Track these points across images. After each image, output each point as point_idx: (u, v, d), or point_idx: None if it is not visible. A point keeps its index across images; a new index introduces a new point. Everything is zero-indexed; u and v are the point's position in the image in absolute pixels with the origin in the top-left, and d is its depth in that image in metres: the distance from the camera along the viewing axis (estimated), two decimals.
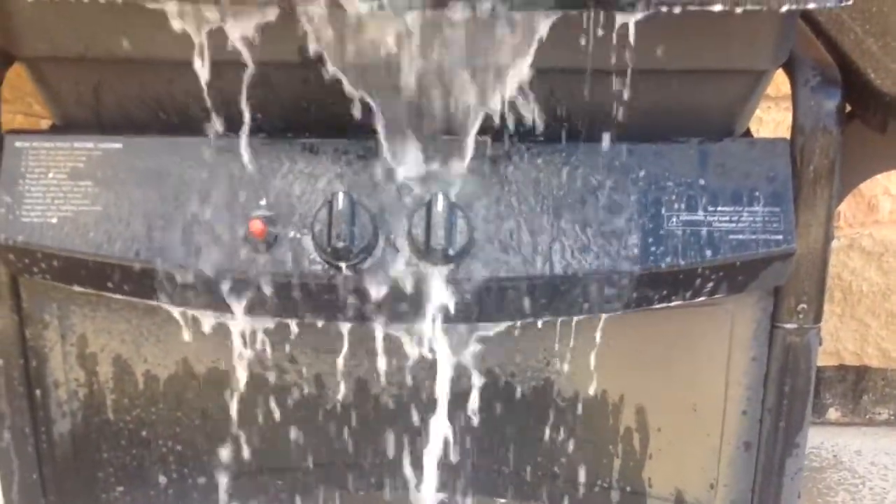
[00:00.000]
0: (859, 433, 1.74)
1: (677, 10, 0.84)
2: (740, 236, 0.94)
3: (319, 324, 0.97)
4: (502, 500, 1.12)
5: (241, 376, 1.02)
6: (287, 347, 1.01)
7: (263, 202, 0.92)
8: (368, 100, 0.89)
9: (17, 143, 0.94)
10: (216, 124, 0.92)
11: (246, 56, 0.87)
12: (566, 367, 1.05)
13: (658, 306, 0.96)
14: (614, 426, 1.08)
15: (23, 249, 0.93)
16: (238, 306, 0.93)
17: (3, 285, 0.98)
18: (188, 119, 0.93)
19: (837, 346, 1.68)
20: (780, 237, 0.94)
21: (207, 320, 0.97)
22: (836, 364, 1.71)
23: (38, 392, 1.03)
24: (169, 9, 0.83)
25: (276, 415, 1.05)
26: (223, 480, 1.08)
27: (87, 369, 1.04)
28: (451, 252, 0.90)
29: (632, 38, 0.86)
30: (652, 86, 0.92)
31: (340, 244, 0.89)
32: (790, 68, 0.96)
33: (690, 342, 1.05)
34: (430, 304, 0.92)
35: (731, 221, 0.94)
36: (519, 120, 0.93)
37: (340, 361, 1.01)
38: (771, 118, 1.49)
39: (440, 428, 1.02)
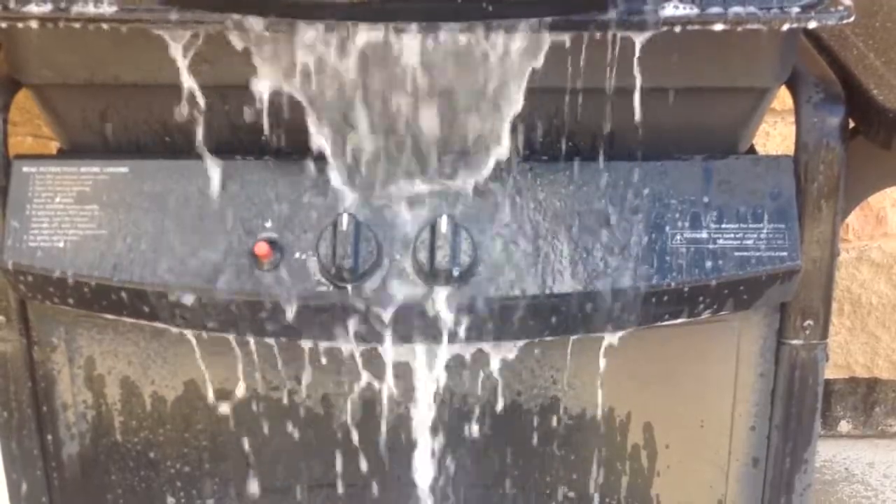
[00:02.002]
0: (871, 445, 1.73)
1: (679, 29, 0.85)
2: (745, 253, 0.94)
3: (325, 344, 0.97)
4: None
5: (248, 397, 1.02)
6: (293, 368, 1.01)
7: (269, 224, 0.93)
8: (373, 121, 0.90)
9: (25, 168, 0.95)
10: (221, 147, 0.93)
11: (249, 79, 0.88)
12: (573, 385, 1.05)
13: (664, 324, 0.96)
14: (622, 443, 1.08)
15: (30, 273, 0.93)
16: (244, 328, 0.93)
17: (12, 309, 0.99)
18: (193, 142, 0.93)
19: (848, 358, 1.67)
20: (785, 254, 0.94)
21: (213, 341, 0.97)
22: (847, 377, 1.70)
23: (46, 414, 1.03)
24: (169, 36, 0.83)
25: (283, 435, 1.05)
26: (231, 502, 1.08)
27: (94, 391, 1.04)
28: (455, 272, 0.90)
29: (635, 58, 0.86)
30: (655, 104, 0.92)
31: (345, 265, 0.90)
32: (793, 85, 0.96)
33: (697, 359, 1.04)
34: (434, 324, 0.92)
35: (735, 239, 0.94)
36: (522, 139, 0.93)
37: (346, 381, 1.01)
38: (778, 132, 1.49)
39: (446, 447, 1.02)
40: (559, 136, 0.95)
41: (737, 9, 0.84)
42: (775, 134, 1.49)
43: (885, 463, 1.69)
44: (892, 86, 0.94)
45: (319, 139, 0.91)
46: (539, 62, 0.86)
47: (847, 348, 1.66)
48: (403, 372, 0.98)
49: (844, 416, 1.75)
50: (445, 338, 0.93)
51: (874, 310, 1.63)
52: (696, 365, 1.04)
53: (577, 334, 0.97)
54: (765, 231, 0.94)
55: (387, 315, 0.92)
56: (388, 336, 0.93)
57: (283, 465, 1.07)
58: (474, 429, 1.04)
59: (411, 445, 1.03)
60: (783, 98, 1.01)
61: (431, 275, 0.90)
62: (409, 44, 0.83)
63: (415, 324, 0.92)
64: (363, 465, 1.06)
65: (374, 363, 0.99)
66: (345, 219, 0.90)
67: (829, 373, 1.66)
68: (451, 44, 0.84)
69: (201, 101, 0.89)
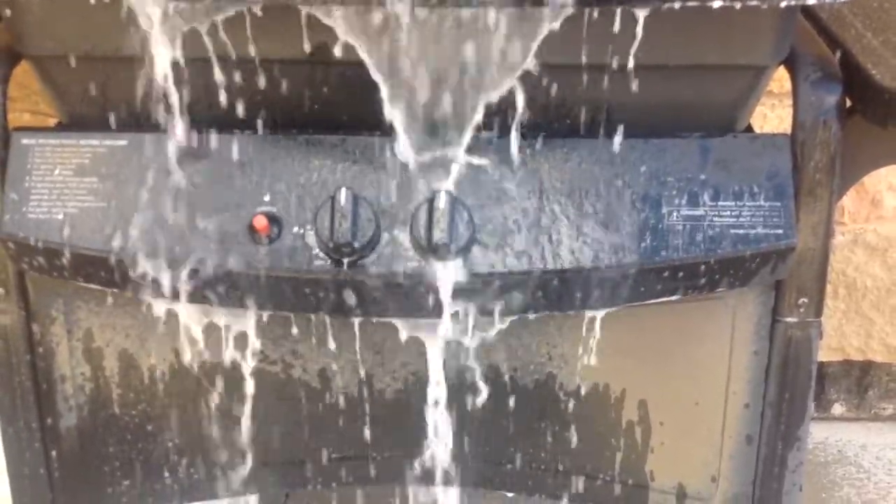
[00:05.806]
0: (864, 428, 1.74)
1: (678, 6, 0.85)
2: (741, 231, 0.94)
3: (323, 319, 0.97)
4: (506, 494, 1.12)
5: (246, 370, 1.02)
6: (291, 342, 1.01)
7: (267, 198, 0.93)
8: (371, 92, 0.90)
9: (24, 140, 0.95)
10: (220, 120, 0.93)
11: (249, 52, 0.88)
12: (568, 361, 1.05)
13: (659, 301, 0.96)
14: (616, 420, 1.09)
15: (29, 245, 0.93)
16: (241, 301, 0.93)
17: (10, 281, 0.99)
18: (192, 116, 0.93)
19: (842, 341, 1.68)
20: (781, 232, 0.94)
21: (210, 315, 0.97)
22: (841, 359, 1.71)
23: (44, 387, 1.04)
24: (165, 9, 0.83)
25: (280, 409, 1.05)
26: (228, 474, 1.09)
27: (92, 364, 1.04)
28: (453, 247, 0.90)
29: (633, 34, 0.86)
30: (653, 81, 0.92)
31: (343, 240, 0.90)
32: (791, 64, 0.96)
33: (692, 336, 1.05)
34: (432, 299, 0.92)
35: (732, 216, 0.94)
36: (521, 115, 0.93)
37: (343, 356, 1.02)
38: (775, 114, 1.49)
39: (442, 422, 1.02)
40: (557, 113, 0.95)
41: None
42: (772, 116, 1.49)
43: (877, 445, 1.69)
44: (890, 65, 0.94)
45: (319, 112, 0.91)
46: (540, 36, 0.86)
47: (841, 331, 1.67)
48: (400, 347, 0.99)
49: (838, 398, 1.75)
50: (442, 313, 0.93)
51: (868, 293, 1.64)
52: (691, 342, 1.05)
53: (573, 310, 0.97)
54: (761, 209, 0.94)
55: (384, 290, 0.92)
56: (384, 310, 0.94)
57: (279, 439, 1.07)
58: (470, 404, 1.05)
59: (406, 419, 1.04)
60: (781, 81, 1.01)
61: (429, 249, 0.91)
62: (410, 17, 0.83)
63: (412, 298, 0.93)
64: (359, 440, 1.07)
65: (371, 338, 0.99)
66: (343, 193, 0.90)
67: (823, 355, 1.67)
68: (450, 17, 0.84)
69: (200, 72, 0.89)
